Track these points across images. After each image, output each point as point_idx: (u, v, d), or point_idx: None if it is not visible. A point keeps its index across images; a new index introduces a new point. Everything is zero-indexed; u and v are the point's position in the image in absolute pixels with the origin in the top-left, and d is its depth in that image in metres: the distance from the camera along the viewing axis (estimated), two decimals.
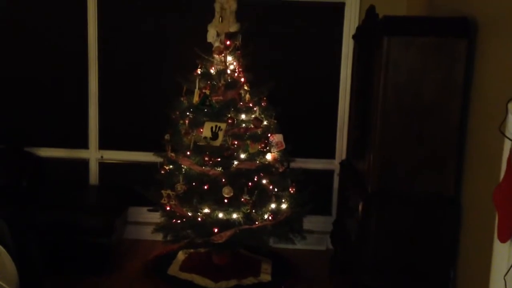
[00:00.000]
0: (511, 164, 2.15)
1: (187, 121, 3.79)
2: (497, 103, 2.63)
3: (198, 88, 3.72)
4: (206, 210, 3.64)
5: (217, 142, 3.62)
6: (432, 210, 3.10)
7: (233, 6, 3.83)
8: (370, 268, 3.16)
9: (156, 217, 4.03)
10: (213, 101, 3.68)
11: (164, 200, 3.71)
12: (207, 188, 3.66)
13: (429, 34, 2.99)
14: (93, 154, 4.79)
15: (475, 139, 2.97)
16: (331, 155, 4.68)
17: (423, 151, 3.06)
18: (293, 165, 4.02)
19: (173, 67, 4.44)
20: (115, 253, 4.28)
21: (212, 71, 3.83)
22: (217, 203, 3.61)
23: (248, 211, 3.63)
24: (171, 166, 3.87)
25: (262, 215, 3.70)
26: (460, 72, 2.97)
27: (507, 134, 2.32)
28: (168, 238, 3.86)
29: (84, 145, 4.78)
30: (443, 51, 2.98)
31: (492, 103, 2.73)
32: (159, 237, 3.95)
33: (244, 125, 3.79)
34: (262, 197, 3.68)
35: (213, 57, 3.83)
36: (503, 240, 2.21)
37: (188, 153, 3.73)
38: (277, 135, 3.85)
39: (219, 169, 3.68)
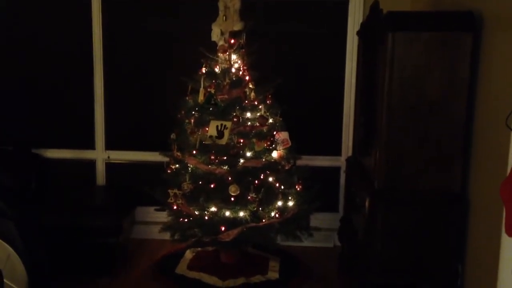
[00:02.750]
0: None
1: (192, 120, 3.79)
2: (503, 98, 2.62)
3: (203, 87, 3.72)
4: (213, 209, 3.64)
5: (223, 141, 3.62)
6: (439, 207, 3.08)
7: (237, 4, 3.84)
8: (377, 264, 3.15)
9: (163, 216, 4.04)
10: (218, 99, 3.69)
11: (171, 200, 3.72)
12: (214, 186, 3.66)
13: (433, 29, 2.97)
14: (100, 154, 4.80)
15: (481, 134, 2.95)
16: (337, 152, 4.68)
17: (429, 147, 3.04)
18: (299, 162, 4.01)
19: (178, 66, 4.46)
20: (123, 253, 4.29)
21: (217, 70, 3.83)
22: (224, 202, 3.61)
23: (255, 209, 3.63)
24: (177, 166, 3.88)
25: (269, 213, 3.70)
26: (466, 67, 2.95)
27: None
28: (176, 237, 3.87)
29: (91, 145, 4.80)
30: (448, 46, 2.96)
31: (498, 97, 2.72)
32: (166, 236, 3.96)
33: (249, 123, 3.78)
34: (268, 195, 3.67)
35: (218, 56, 3.83)
36: (511, 234, 2.20)
37: (194, 152, 3.73)
38: (282, 132, 3.85)
39: (225, 167, 3.68)
